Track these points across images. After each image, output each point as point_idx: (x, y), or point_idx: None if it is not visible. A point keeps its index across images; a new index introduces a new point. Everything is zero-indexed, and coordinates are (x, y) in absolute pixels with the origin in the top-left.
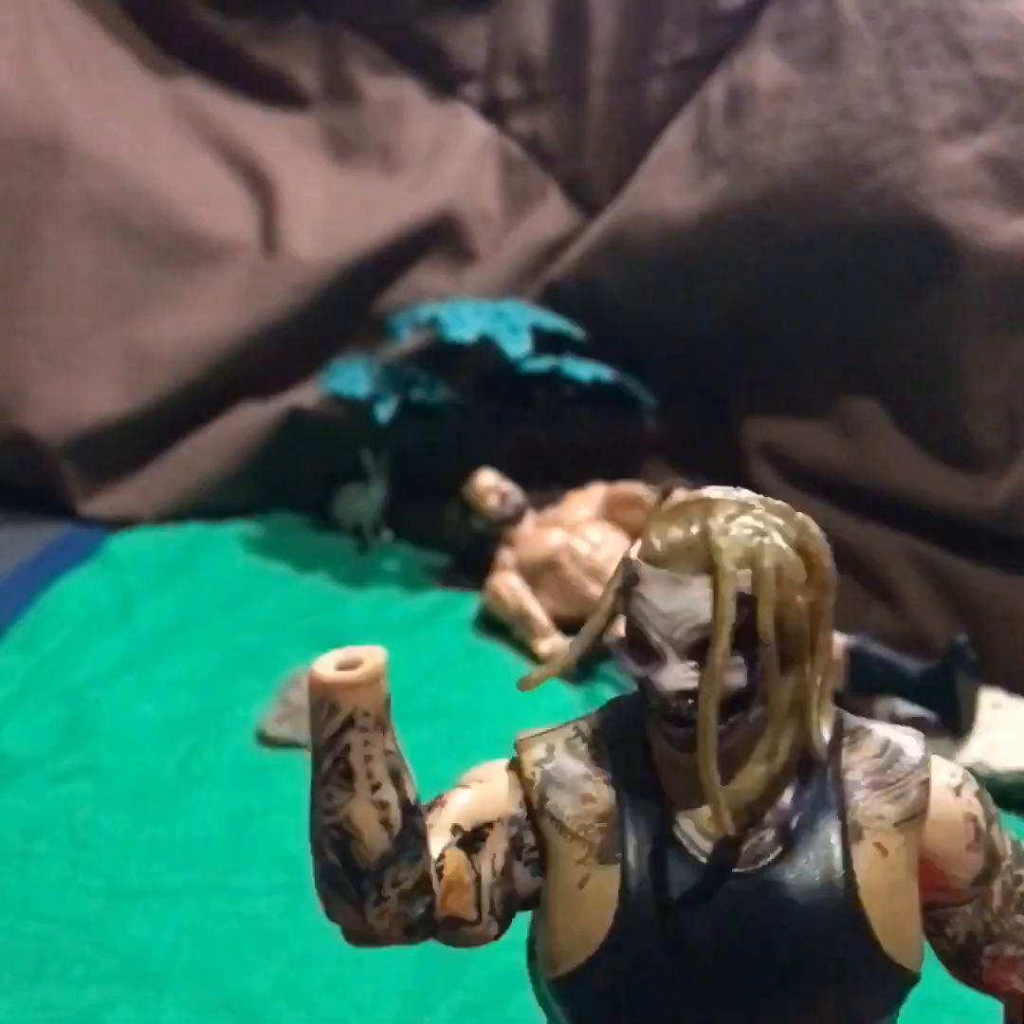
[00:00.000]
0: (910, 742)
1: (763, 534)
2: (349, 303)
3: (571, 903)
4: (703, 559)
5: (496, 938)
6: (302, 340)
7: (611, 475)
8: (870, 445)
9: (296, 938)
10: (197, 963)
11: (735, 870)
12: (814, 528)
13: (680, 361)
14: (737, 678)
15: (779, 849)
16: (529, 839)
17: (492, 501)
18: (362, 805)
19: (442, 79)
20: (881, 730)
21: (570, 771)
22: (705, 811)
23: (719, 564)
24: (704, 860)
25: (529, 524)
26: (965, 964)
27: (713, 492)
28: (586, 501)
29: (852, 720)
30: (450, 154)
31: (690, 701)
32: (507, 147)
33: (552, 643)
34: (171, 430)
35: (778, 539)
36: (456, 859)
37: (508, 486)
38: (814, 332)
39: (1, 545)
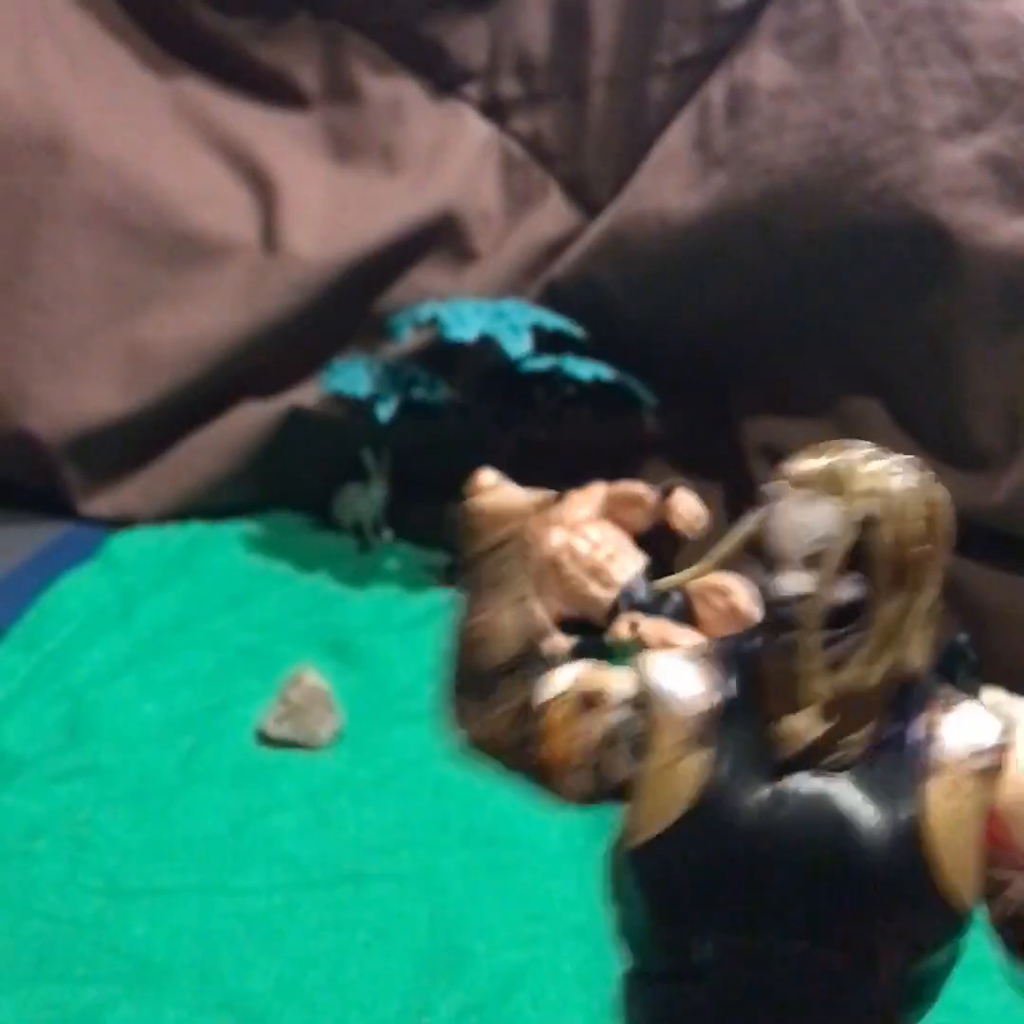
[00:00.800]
0: (997, 719)
1: (895, 474)
2: (350, 302)
3: (662, 777)
4: (837, 483)
5: (581, 800)
6: (303, 339)
7: (611, 474)
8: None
9: (296, 937)
10: (197, 962)
11: (816, 772)
12: (940, 488)
13: (680, 360)
14: (849, 591)
15: (861, 764)
16: (635, 724)
17: None
18: (505, 611)
19: (443, 79)
20: (974, 704)
21: (684, 671)
22: (799, 720)
23: (850, 487)
24: (789, 759)
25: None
26: (1015, 932)
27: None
28: (587, 500)
29: (951, 691)
30: (451, 154)
31: (803, 604)
32: (508, 147)
33: (552, 642)
34: (171, 429)
35: (908, 481)
36: (566, 706)
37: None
38: (814, 331)
39: (2, 544)
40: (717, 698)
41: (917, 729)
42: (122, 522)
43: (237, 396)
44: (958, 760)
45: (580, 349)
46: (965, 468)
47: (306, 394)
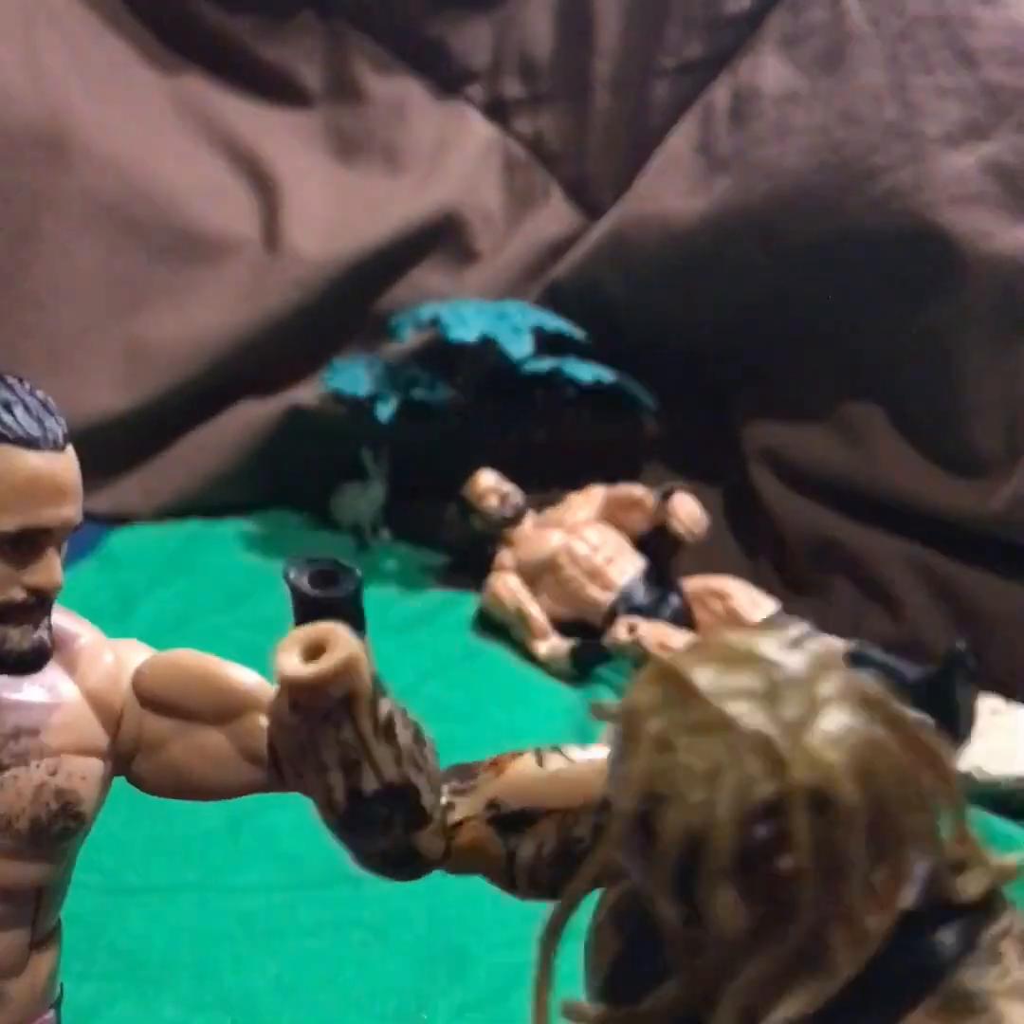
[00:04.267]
0: None
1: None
2: (351, 301)
3: None
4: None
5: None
6: (304, 338)
7: (611, 477)
8: (871, 450)
9: (294, 935)
10: (195, 960)
11: None
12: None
13: (681, 363)
14: None
15: None
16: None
17: (492, 502)
18: (314, 782)
19: (446, 79)
20: None
21: None
22: None
23: None
24: None
25: (528, 525)
26: None
27: None
28: (586, 503)
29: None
30: (453, 154)
31: None
32: (510, 147)
33: (550, 644)
34: (171, 426)
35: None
36: (474, 832)
37: (508, 487)
38: (816, 336)
39: None
40: None
41: None
42: (121, 519)
43: (237, 394)
44: None
45: (581, 351)
46: (966, 474)
47: (306, 393)
